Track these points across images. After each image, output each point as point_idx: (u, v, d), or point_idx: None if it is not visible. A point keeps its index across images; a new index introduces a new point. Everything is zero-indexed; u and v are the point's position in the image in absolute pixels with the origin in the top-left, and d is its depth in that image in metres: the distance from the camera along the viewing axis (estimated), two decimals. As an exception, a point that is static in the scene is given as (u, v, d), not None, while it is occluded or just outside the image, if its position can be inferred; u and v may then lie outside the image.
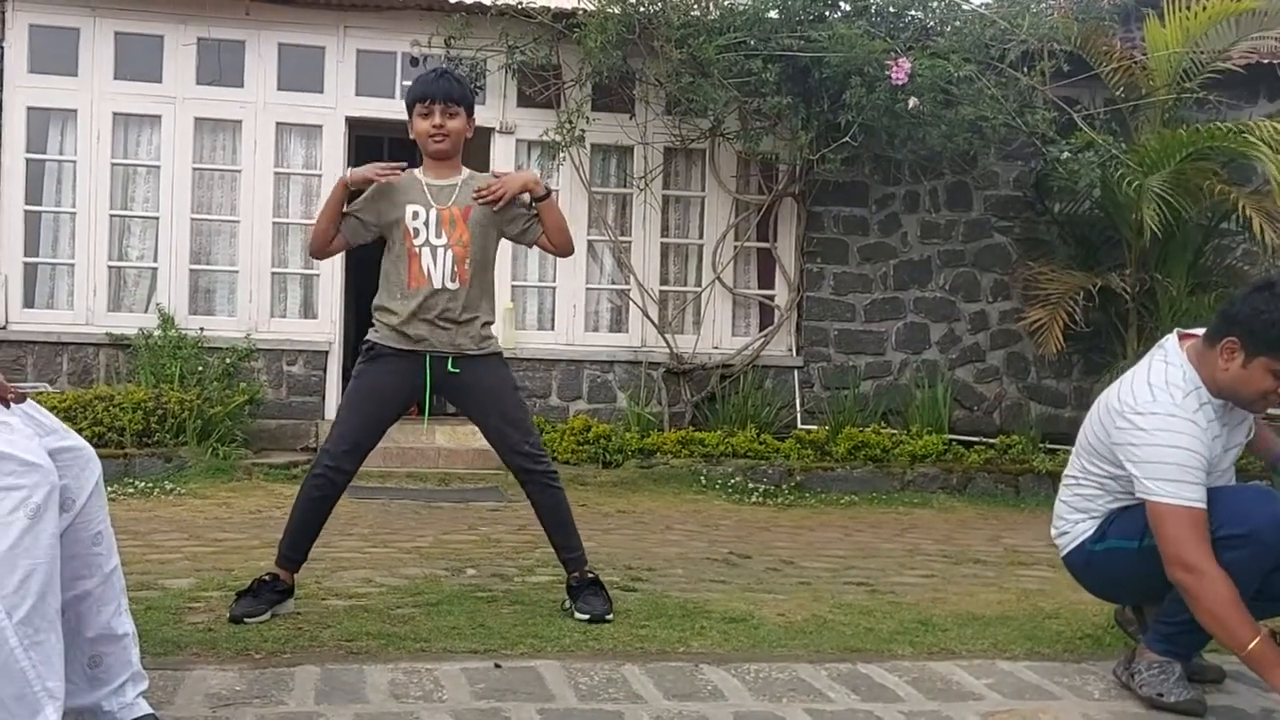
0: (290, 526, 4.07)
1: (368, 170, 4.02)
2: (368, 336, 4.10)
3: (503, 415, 4.11)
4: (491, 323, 4.17)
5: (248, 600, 3.92)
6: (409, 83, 8.68)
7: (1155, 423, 3.19)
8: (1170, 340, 3.39)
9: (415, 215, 4.01)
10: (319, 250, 4.15)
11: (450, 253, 4.00)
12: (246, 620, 3.83)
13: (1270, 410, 3.45)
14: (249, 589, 3.98)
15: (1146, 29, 8.44)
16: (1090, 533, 3.48)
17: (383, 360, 4.05)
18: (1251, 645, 3.01)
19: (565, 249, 4.24)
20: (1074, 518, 3.54)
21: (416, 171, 4.13)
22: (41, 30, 8.44)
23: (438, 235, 4.00)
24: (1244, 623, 3.05)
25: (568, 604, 4.15)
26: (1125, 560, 3.39)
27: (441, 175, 4.10)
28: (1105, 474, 3.42)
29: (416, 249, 4.00)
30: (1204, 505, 3.14)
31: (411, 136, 4.12)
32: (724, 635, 3.90)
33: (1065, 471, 3.65)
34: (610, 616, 4.02)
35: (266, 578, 4.00)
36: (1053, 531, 3.67)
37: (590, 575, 4.18)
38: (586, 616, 4.00)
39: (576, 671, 3.41)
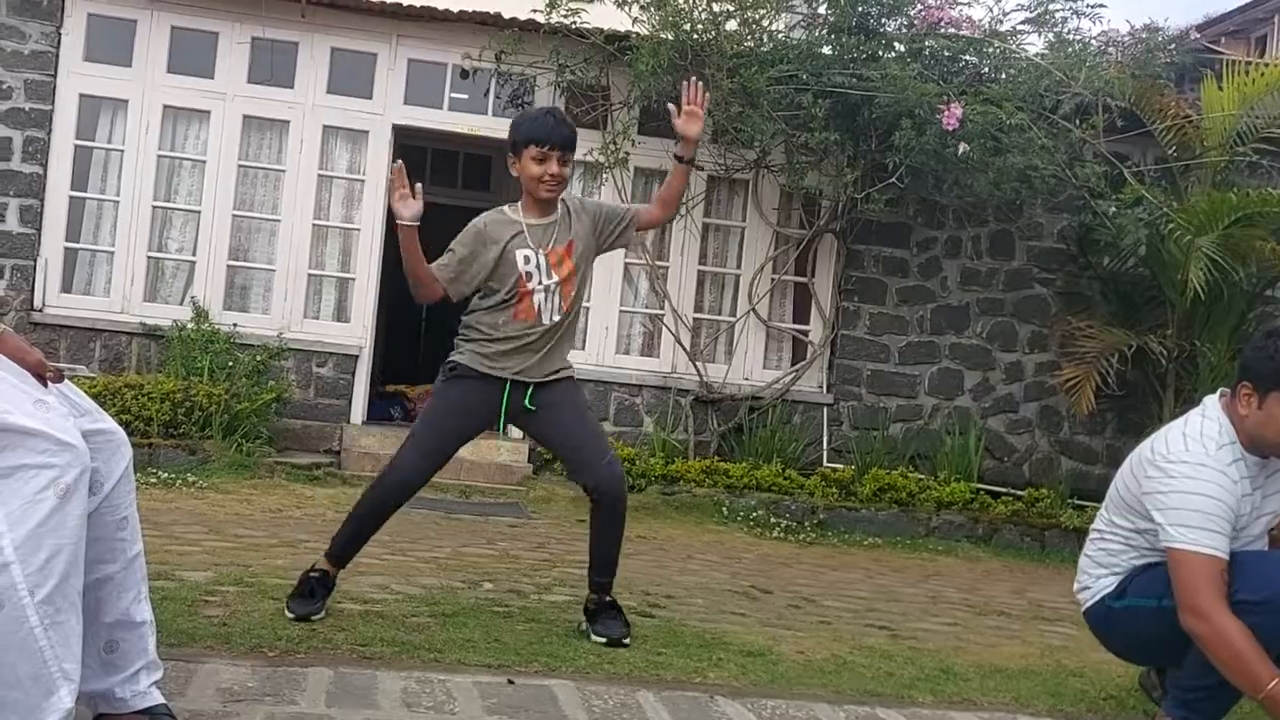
0: (349, 527, 4.11)
1: (397, 203, 3.87)
2: (452, 357, 4.11)
3: (577, 433, 4.11)
4: (572, 344, 4.26)
5: (305, 600, 3.97)
6: (458, 94, 8.90)
7: (1185, 470, 3.21)
8: (1211, 398, 3.42)
9: (527, 260, 4.02)
10: (428, 299, 4.11)
11: (560, 289, 4.05)
12: (309, 619, 3.88)
13: None
14: (302, 589, 4.01)
15: (1203, 90, 8.37)
16: (1111, 588, 3.48)
17: (466, 382, 4.06)
18: (1270, 685, 2.98)
19: (671, 216, 4.43)
20: (1097, 572, 3.53)
21: (508, 210, 4.13)
22: (99, 20, 8.52)
23: (549, 275, 4.03)
24: (1260, 663, 3.02)
25: (584, 626, 4.11)
26: (1144, 619, 3.38)
27: (542, 215, 4.08)
28: (1132, 528, 3.41)
29: (530, 290, 4.02)
30: (1224, 556, 3.14)
31: (514, 173, 4.09)
32: (741, 668, 3.85)
33: (1092, 525, 3.64)
34: (627, 641, 3.99)
35: (318, 574, 4.04)
36: (1075, 586, 3.65)
37: (608, 599, 4.14)
38: (603, 640, 3.96)
39: (590, 694, 3.37)
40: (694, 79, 4.19)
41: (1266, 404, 3.22)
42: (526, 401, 4.04)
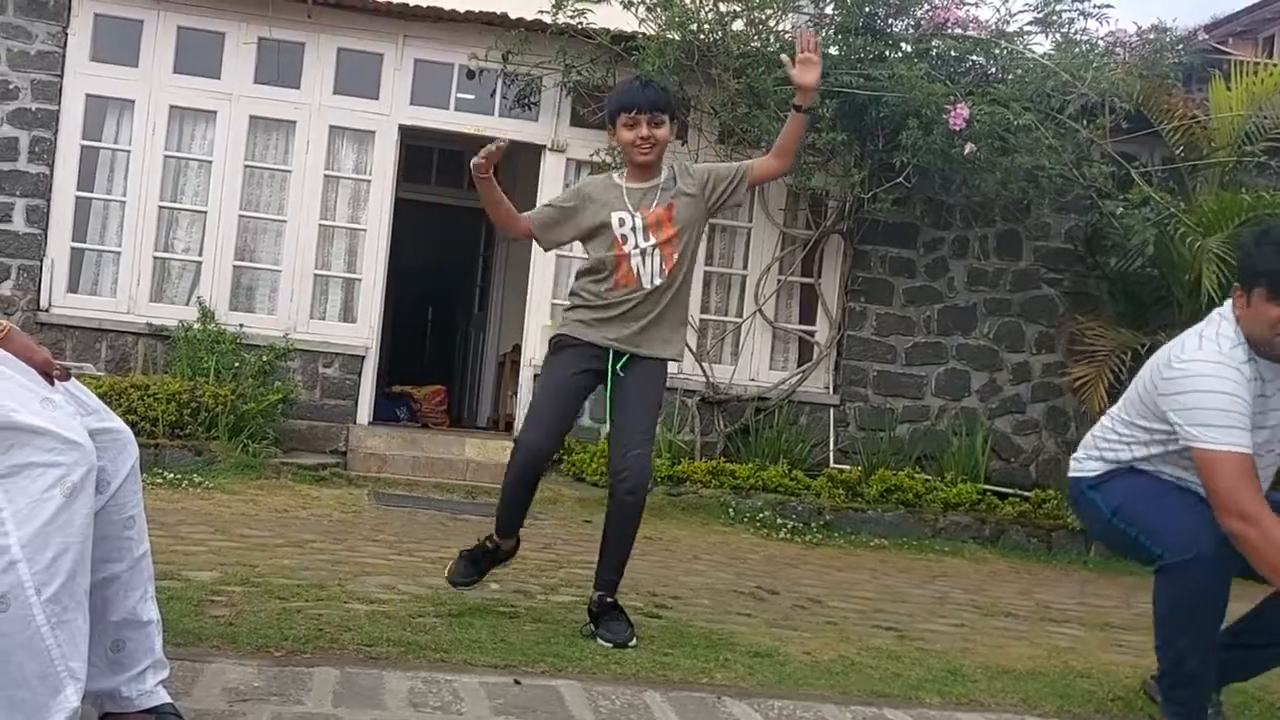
0: (504, 504, 4.26)
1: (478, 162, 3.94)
2: (557, 330, 4.22)
3: (628, 415, 4.11)
4: (683, 323, 4.26)
5: (470, 566, 4.25)
6: (464, 94, 8.90)
7: (1201, 369, 3.20)
8: (1229, 302, 3.41)
9: (622, 222, 4.07)
10: (510, 237, 4.29)
11: (659, 252, 4.08)
12: (462, 587, 4.26)
13: None
14: (472, 554, 4.26)
15: (1211, 90, 8.36)
16: (1092, 475, 3.56)
17: (570, 350, 4.13)
18: None
19: (787, 166, 4.35)
20: (1090, 454, 3.60)
21: (615, 176, 4.21)
22: (106, 20, 8.54)
23: (646, 238, 4.07)
24: None
25: (589, 628, 4.09)
26: (1095, 519, 3.55)
27: (642, 179, 4.14)
28: (1138, 425, 3.44)
29: (626, 253, 4.07)
30: (1250, 451, 3.10)
31: (613, 144, 4.20)
32: (748, 669, 3.83)
33: (1108, 410, 3.69)
34: (634, 643, 3.96)
35: (492, 544, 4.24)
36: (1072, 457, 3.73)
37: (610, 600, 4.13)
38: (610, 644, 3.93)
39: (597, 694, 3.35)
40: (807, 29, 4.25)
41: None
42: (620, 368, 4.09)
